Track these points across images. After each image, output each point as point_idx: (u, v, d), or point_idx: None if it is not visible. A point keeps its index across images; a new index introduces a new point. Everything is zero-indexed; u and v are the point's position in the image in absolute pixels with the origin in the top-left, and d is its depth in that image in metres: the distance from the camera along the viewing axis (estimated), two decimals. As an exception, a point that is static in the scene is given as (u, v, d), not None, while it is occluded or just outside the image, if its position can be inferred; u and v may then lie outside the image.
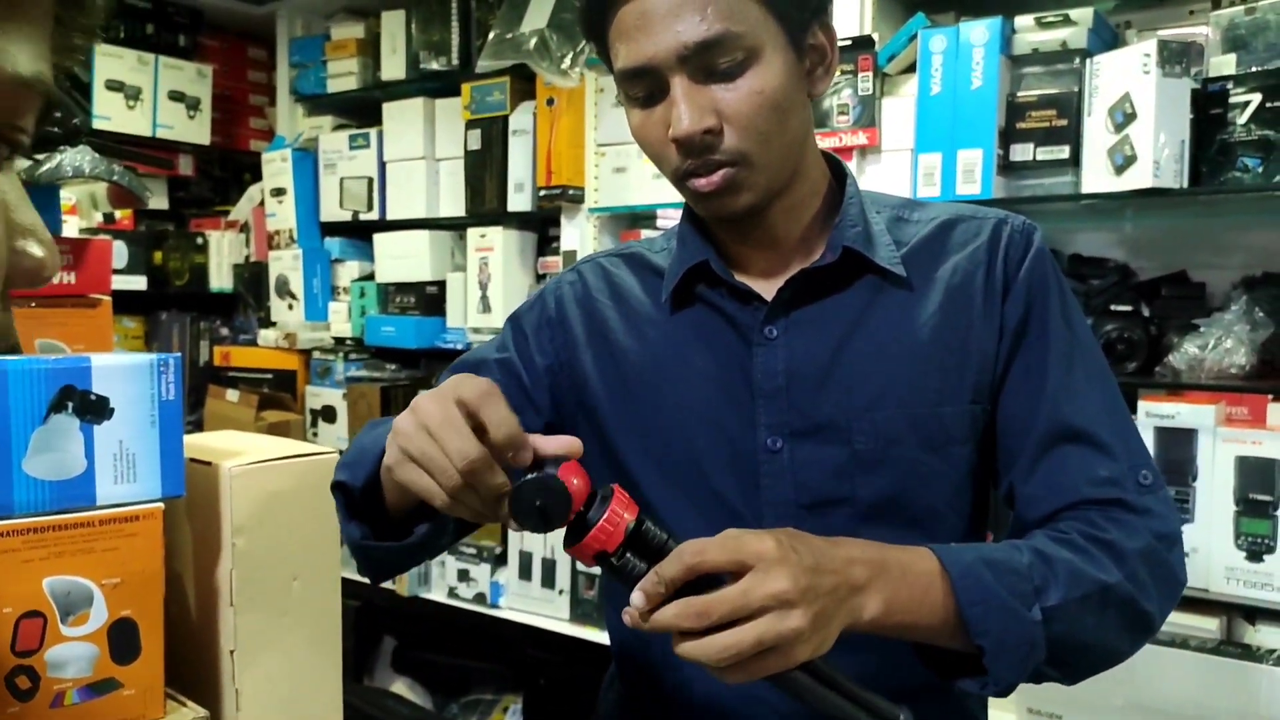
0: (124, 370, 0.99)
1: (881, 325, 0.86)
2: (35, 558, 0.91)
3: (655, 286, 0.95)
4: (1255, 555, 1.45)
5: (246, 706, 1.09)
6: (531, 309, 1.01)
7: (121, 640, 0.97)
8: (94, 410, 0.95)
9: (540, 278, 2.36)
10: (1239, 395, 1.52)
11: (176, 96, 2.74)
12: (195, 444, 1.09)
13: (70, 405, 0.96)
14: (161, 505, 1.00)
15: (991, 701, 1.00)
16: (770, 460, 0.86)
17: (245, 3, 2.86)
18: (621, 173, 2.11)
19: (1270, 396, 1.50)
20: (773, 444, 0.86)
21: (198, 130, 2.82)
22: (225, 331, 2.97)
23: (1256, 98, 1.42)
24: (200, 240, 2.93)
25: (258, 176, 2.90)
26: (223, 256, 2.94)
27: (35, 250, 0.41)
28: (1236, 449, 1.46)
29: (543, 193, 2.17)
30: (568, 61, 1.99)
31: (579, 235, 2.17)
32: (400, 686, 2.48)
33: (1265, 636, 1.47)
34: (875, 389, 0.84)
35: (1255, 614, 1.49)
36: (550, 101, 2.14)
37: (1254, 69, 1.45)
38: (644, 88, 0.81)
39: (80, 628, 0.93)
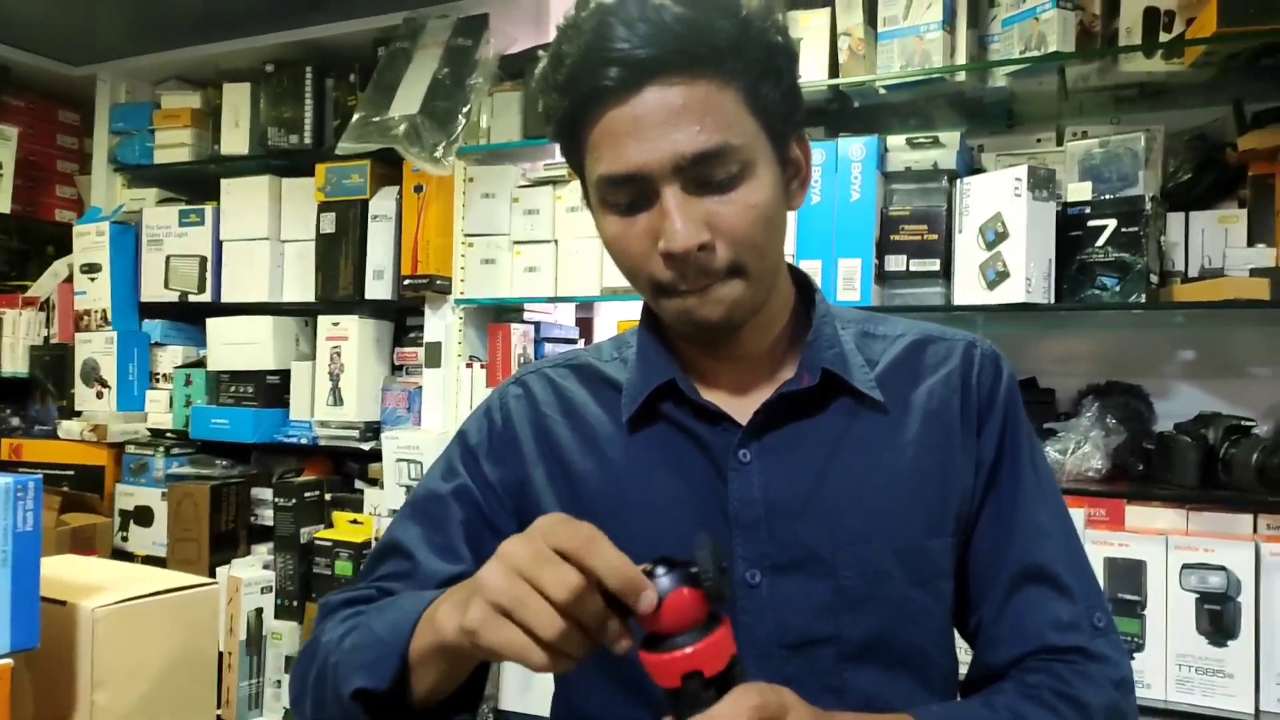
0: (-27, 498, 0.82)
1: (861, 452, 0.83)
2: None
3: (611, 401, 0.88)
4: (1127, 653, 1.51)
5: None
6: (476, 425, 0.93)
7: (-48, 835, 0.79)
8: (-67, 548, 0.79)
9: (396, 369, 2.24)
10: (1097, 499, 1.61)
11: (-26, 160, 2.46)
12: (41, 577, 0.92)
13: (-98, 543, 0.78)
14: (10, 663, 0.83)
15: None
16: (749, 596, 0.80)
17: (59, 62, 2.61)
18: (490, 264, 2.04)
19: (1126, 500, 1.59)
20: (751, 578, 0.81)
21: (-4, 196, 2.53)
22: (16, 421, 2.63)
23: (1113, 223, 1.54)
24: (-8, 318, 2.60)
25: (63, 250, 2.63)
26: (17, 337, 2.62)
27: None
28: (1104, 551, 1.54)
29: (407, 281, 2.06)
30: (440, 150, 1.92)
31: (443, 326, 2.07)
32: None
33: (1139, 734, 1.53)
34: (859, 521, 0.81)
35: (1128, 712, 1.55)
36: (418, 189, 2.06)
37: (1108, 196, 1.57)
38: (627, 195, 0.76)
39: (-101, 825, 0.75)
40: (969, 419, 0.84)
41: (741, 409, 0.83)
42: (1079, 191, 1.59)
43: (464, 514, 0.89)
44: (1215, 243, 1.63)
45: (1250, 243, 1.60)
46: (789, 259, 1.76)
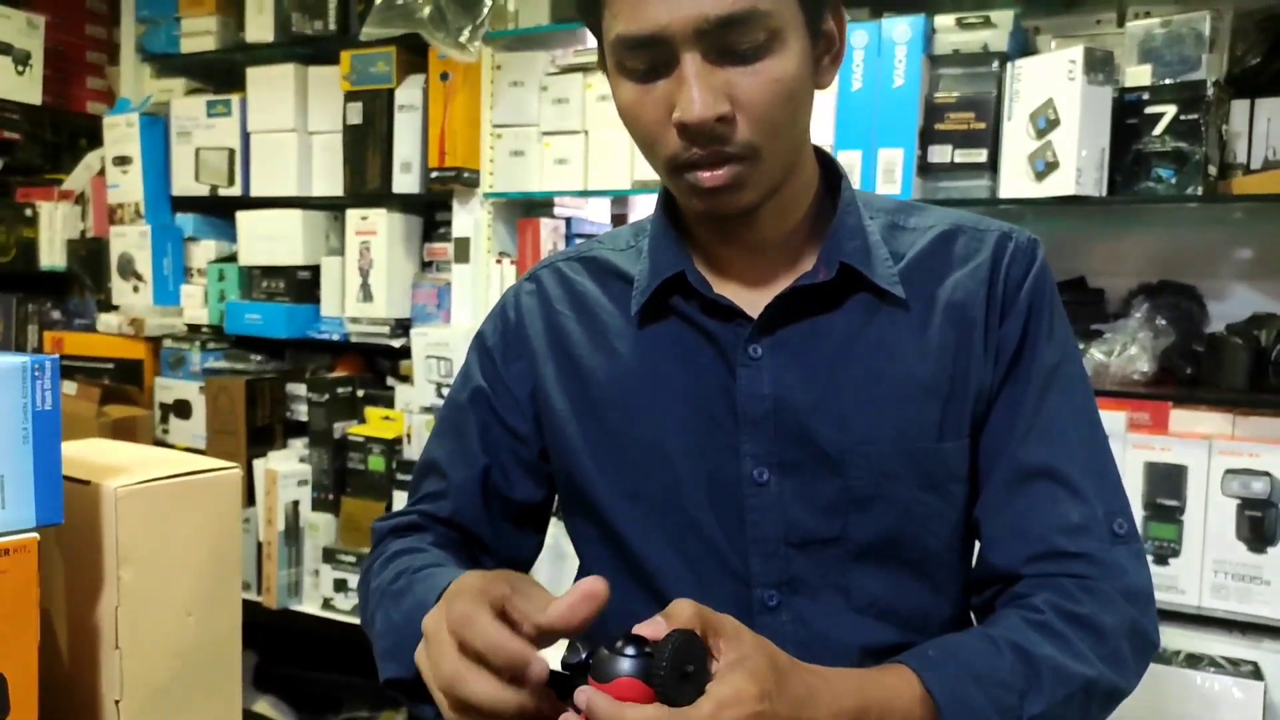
0: (-11, 374, 0.82)
1: (877, 350, 0.79)
2: (-126, 607, 0.73)
3: (621, 294, 0.86)
4: (1162, 559, 1.49)
5: (134, 766, 0.93)
6: (492, 325, 0.92)
7: (-15, 701, 0.80)
8: (-49, 424, 0.78)
9: (426, 265, 2.21)
10: (1141, 401, 1.56)
11: (2, 48, 2.42)
12: (67, 458, 0.93)
13: (-80, 418, 0.78)
14: (37, 536, 0.84)
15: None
16: (756, 494, 0.79)
17: (84, -53, 2.56)
18: (519, 156, 1.99)
19: (1172, 404, 1.54)
20: (759, 475, 0.79)
21: (27, 88, 2.50)
22: (57, 315, 2.66)
23: (1172, 109, 1.45)
24: (29, 212, 2.61)
25: (95, 142, 2.61)
26: (55, 231, 2.63)
27: None
28: (1144, 455, 1.50)
29: (434, 174, 2.02)
30: (465, 34, 1.86)
31: (472, 221, 2.04)
32: (263, 705, 2.29)
33: (1172, 639, 1.51)
34: (871, 421, 0.78)
35: (1162, 617, 1.52)
36: (444, 76, 2.00)
37: (1168, 81, 1.48)
38: (645, 60, 0.71)
39: (-68, 690, 0.77)
40: (994, 310, 0.80)
41: (756, 301, 0.80)
42: (1138, 75, 1.50)
43: (479, 418, 0.90)
44: (1281, 132, 1.54)
45: (1320, 133, 1.51)
46: (827, 147, 1.71)
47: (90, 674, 0.93)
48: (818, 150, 0.86)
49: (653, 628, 0.58)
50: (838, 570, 0.79)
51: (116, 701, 0.92)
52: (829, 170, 0.86)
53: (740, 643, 0.59)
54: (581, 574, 0.92)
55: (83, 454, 0.99)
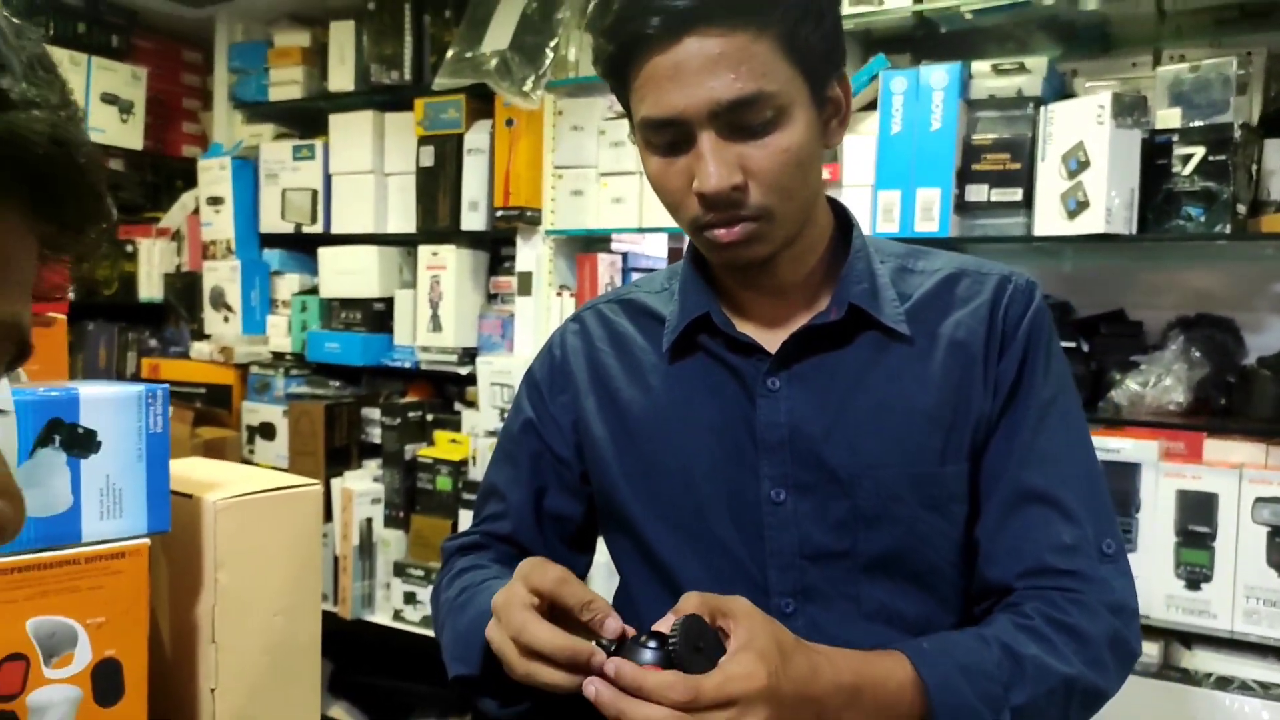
0: (112, 402, 0.95)
1: (884, 383, 0.87)
2: (19, 598, 0.87)
3: (655, 333, 0.96)
4: (1194, 584, 1.53)
5: (227, 746, 1.05)
6: (541, 362, 1.02)
7: (106, 681, 0.93)
8: (81, 444, 0.92)
9: (492, 297, 2.35)
10: (1175, 431, 1.60)
11: (109, 99, 2.64)
12: (170, 475, 1.06)
13: (57, 439, 0.92)
14: (148, 541, 0.97)
15: None
16: (773, 511, 0.87)
17: (182, 4, 2.77)
18: (579, 195, 2.12)
19: (1205, 434, 1.58)
20: (776, 495, 0.87)
21: (130, 134, 2.72)
22: (154, 343, 2.86)
23: (1200, 151, 1.50)
24: (130, 248, 2.82)
25: (190, 183, 2.81)
26: (153, 265, 2.84)
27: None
28: (1177, 483, 1.54)
29: (499, 213, 2.15)
30: (529, 84, 1.99)
31: (534, 256, 2.17)
32: (337, 711, 2.43)
33: (1202, 660, 1.55)
34: (878, 447, 0.86)
35: (1192, 639, 1.57)
36: (509, 122, 2.14)
37: (1197, 123, 1.53)
38: (668, 137, 0.81)
39: (64, 669, 0.90)
40: (993, 346, 0.87)
41: (775, 339, 0.89)
42: (1168, 118, 1.56)
43: (530, 447, 1.00)
44: (1314, 170, 1.58)
45: (1352, 171, 1.54)
46: (868, 187, 1.80)
47: (189, 666, 1.06)
48: (832, 201, 0.95)
49: (666, 622, 0.68)
50: (848, 581, 0.87)
51: (212, 690, 1.05)
52: (843, 219, 0.95)
53: (750, 623, 0.69)
54: (622, 586, 1.02)
55: (184, 471, 1.12)
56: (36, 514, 0.92)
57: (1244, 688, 1.46)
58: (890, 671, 0.75)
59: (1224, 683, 1.47)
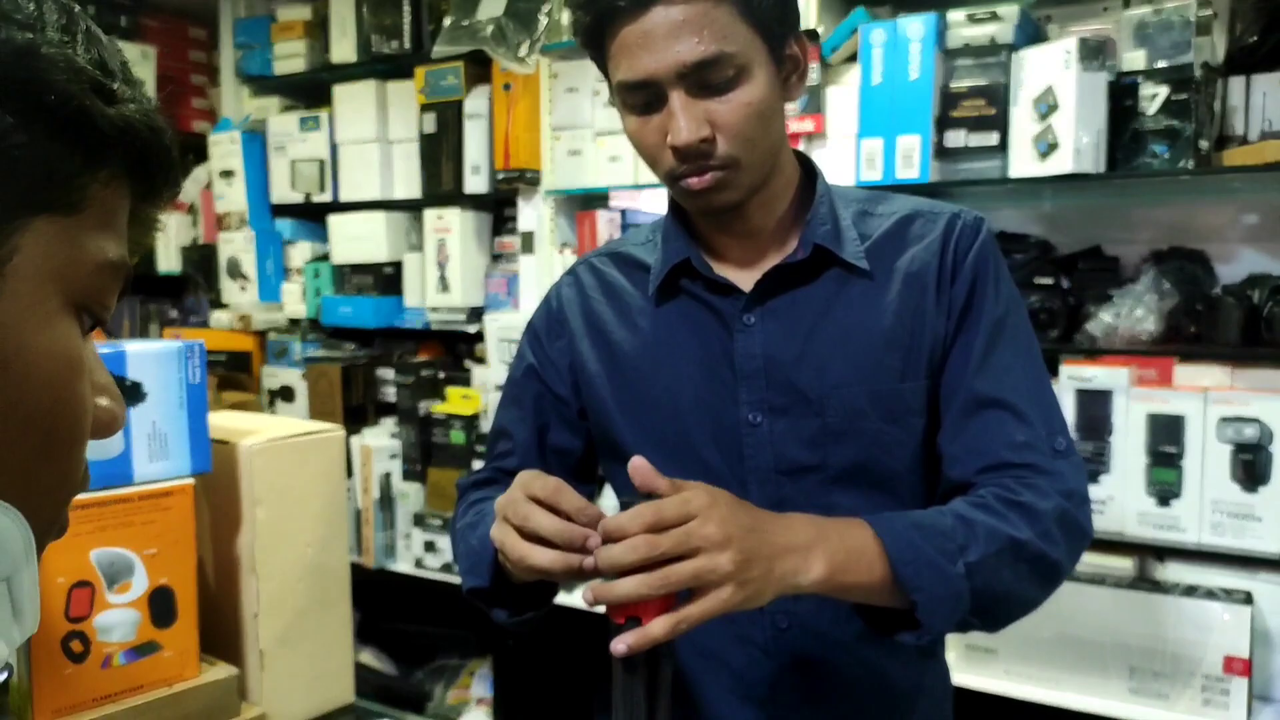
0: (155, 357, 1.06)
1: (847, 313, 0.97)
2: (82, 532, 0.98)
3: (642, 280, 1.05)
4: (1164, 501, 1.62)
5: (270, 665, 1.17)
6: (540, 313, 1.12)
7: (160, 606, 1.05)
8: (130, 395, 1.02)
9: (496, 257, 2.44)
10: (1148, 358, 1.69)
11: (120, 78, 2.72)
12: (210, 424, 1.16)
13: (108, 390, 1.03)
14: (193, 481, 1.08)
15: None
16: (751, 433, 0.97)
17: (185, -19, 2.85)
18: (576, 155, 2.20)
19: (1176, 359, 1.67)
20: (754, 419, 0.97)
21: (141, 112, 2.79)
22: (174, 314, 2.97)
23: (1164, 90, 1.58)
24: (147, 222, 2.92)
25: (201, 157, 2.90)
26: (170, 239, 2.94)
27: (110, 405, 0.47)
28: (1147, 407, 1.63)
29: (501, 175, 2.24)
30: (524, 49, 2.07)
31: (536, 216, 2.25)
32: (366, 656, 2.56)
33: (1172, 572, 1.65)
34: (843, 368, 0.95)
35: (1164, 553, 1.67)
36: (507, 87, 2.21)
37: (1160, 65, 1.60)
38: (642, 98, 0.90)
39: (124, 595, 1.01)
40: (945, 275, 0.96)
41: (749, 279, 0.98)
42: (1133, 60, 1.63)
43: (533, 389, 1.10)
44: (1276, 105, 1.64)
45: (1313, 104, 1.61)
46: (851, 137, 1.87)
47: (233, 594, 1.17)
48: (798, 154, 1.04)
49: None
50: (820, 492, 0.97)
51: (255, 615, 1.16)
52: (809, 170, 1.04)
53: (707, 485, 0.80)
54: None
55: (219, 422, 1.23)
56: (94, 458, 1.03)
57: (1209, 595, 1.56)
58: (852, 524, 0.85)
59: (1191, 591, 1.57)
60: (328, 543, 1.25)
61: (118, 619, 1.02)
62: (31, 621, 0.42)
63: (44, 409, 0.41)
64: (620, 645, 0.74)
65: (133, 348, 1.04)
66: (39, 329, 0.40)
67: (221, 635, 1.18)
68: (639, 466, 0.79)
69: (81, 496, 1.01)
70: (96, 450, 1.02)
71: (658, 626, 0.74)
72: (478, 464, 2.29)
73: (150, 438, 1.05)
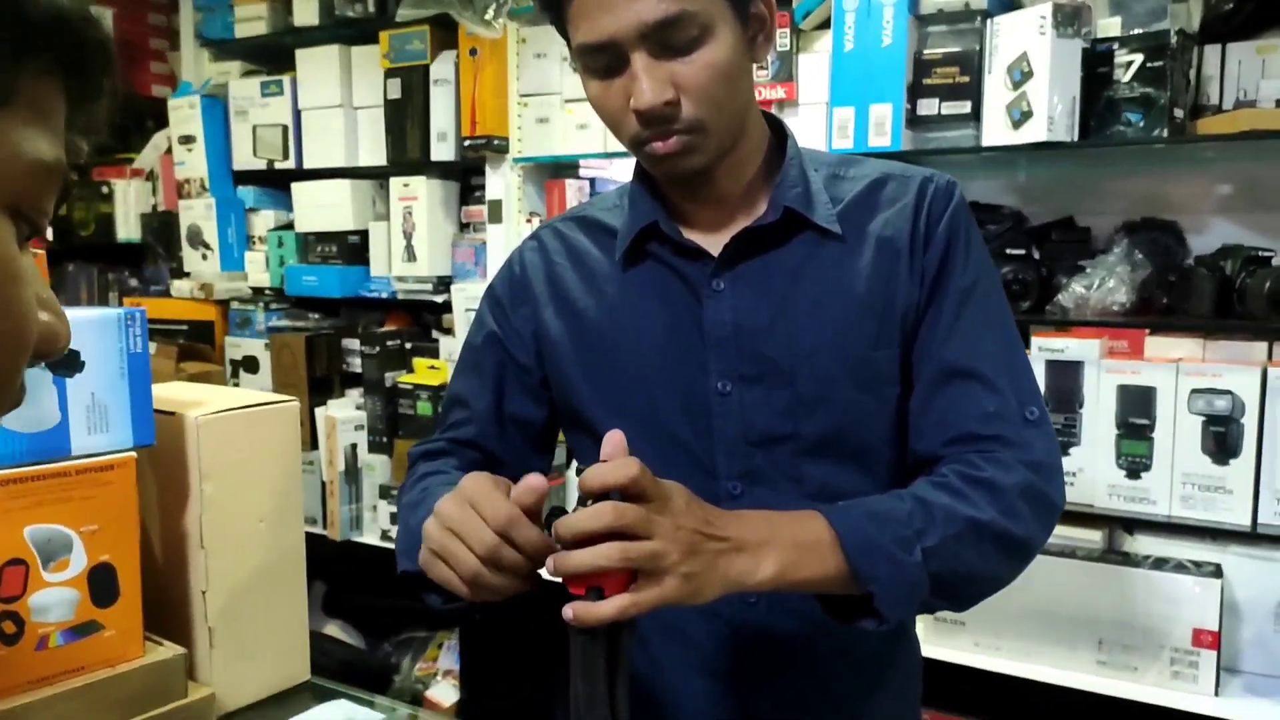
0: (93, 324, 1.01)
1: (819, 278, 0.93)
2: (15, 507, 0.94)
3: (608, 245, 1.01)
4: (1134, 473, 1.61)
5: (220, 644, 1.14)
6: (501, 277, 1.08)
7: (101, 584, 1.01)
8: (65, 364, 0.98)
9: (464, 226, 2.39)
10: (1119, 330, 1.68)
11: (74, 40, 2.64)
12: (156, 395, 1.12)
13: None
14: (134, 454, 1.04)
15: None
16: (721, 403, 0.94)
17: (143, -59, 2.75)
18: (544, 123, 2.15)
19: (1147, 330, 1.66)
20: (723, 388, 0.94)
21: (98, 75, 2.71)
22: (135, 283, 2.91)
23: (1138, 58, 1.55)
24: (105, 189, 2.85)
25: (161, 123, 2.82)
26: (129, 206, 2.86)
27: (52, 321, 0.44)
28: (1117, 379, 1.62)
29: (467, 143, 2.19)
30: (491, 13, 2.01)
31: (503, 185, 2.21)
32: (333, 629, 2.53)
33: (1142, 544, 1.65)
34: (815, 336, 0.92)
35: (1133, 525, 1.66)
36: (473, 52, 2.16)
37: (1135, 31, 1.58)
38: (604, 60, 0.86)
39: (61, 573, 0.97)
40: (918, 241, 0.93)
41: (719, 243, 0.95)
42: (1108, 27, 1.60)
43: (494, 357, 1.06)
44: (1251, 74, 1.62)
45: (1287, 72, 1.59)
46: (823, 105, 1.84)
47: (181, 570, 1.14)
48: (768, 116, 1.00)
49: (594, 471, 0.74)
50: (791, 463, 0.94)
51: (203, 592, 1.12)
52: (779, 132, 1.00)
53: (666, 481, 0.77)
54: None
55: (167, 393, 1.19)
56: (26, 430, 0.98)
57: (1179, 567, 1.55)
58: (805, 518, 0.82)
59: (1161, 563, 1.57)
60: (282, 517, 1.22)
61: (55, 598, 0.98)
62: None
63: None
64: (569, 611, 0.71)
65: (70, 315, 1.00)
66: None
67: (170, 614, 1.14)
68: (614, 441, 0.76)
69: (14, 470, 0.97)
70: (28, 422, 0.98)
71: (608, 607, 0.71)
72: (444, 437, 2.25)
73: (89, 409, 1.01)
